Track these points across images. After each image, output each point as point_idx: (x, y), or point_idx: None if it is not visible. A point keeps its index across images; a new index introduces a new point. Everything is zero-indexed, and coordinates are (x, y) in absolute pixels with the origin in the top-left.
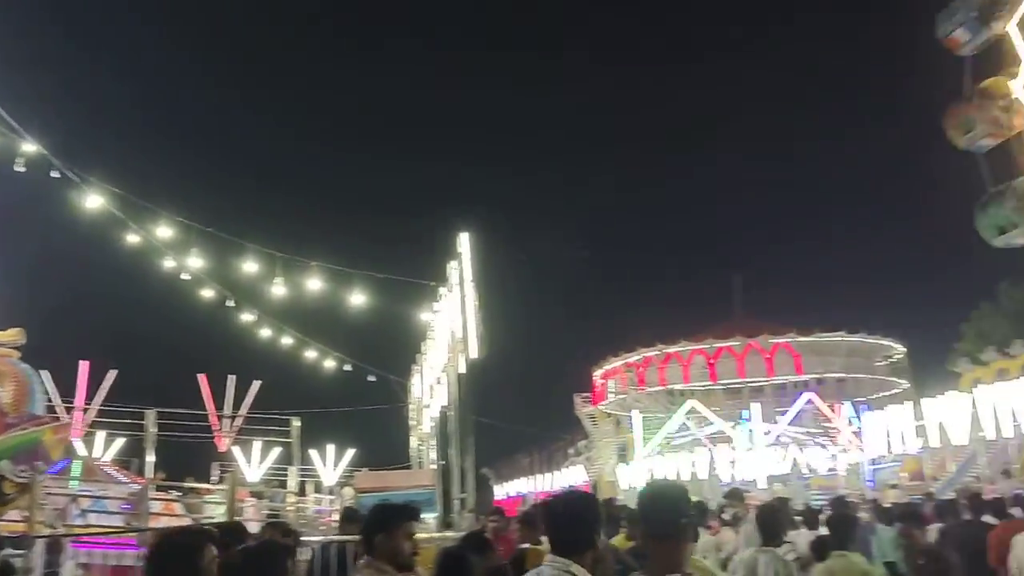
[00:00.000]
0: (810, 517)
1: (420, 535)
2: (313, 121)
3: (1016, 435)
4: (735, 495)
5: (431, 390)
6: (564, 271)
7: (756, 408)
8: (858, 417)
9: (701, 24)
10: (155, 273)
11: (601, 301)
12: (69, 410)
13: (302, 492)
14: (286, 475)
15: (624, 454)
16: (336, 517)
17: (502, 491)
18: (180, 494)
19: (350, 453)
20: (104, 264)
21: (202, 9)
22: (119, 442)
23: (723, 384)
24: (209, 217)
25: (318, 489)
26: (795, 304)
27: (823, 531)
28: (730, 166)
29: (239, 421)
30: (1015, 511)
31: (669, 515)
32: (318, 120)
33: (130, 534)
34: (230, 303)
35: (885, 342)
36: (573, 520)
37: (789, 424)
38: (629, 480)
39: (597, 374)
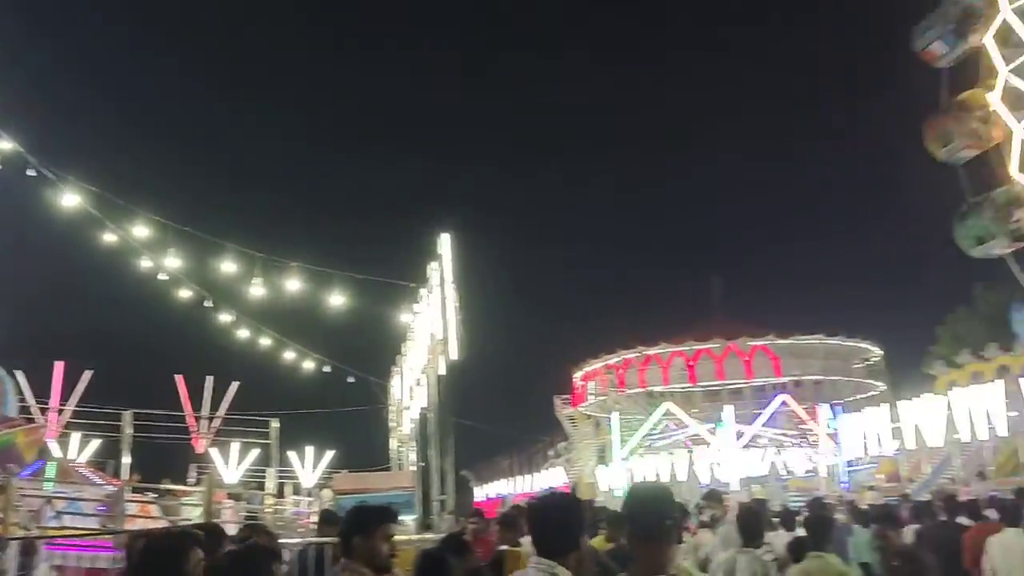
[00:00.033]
0: (787, 518)
1: (399, 537)
2: (293, 120)
3: (991, 437)
4: (713, 496)
5: (411, 391)
6: (544, 273)
7: (729, 410)
8: (835, 419)
9: (685, 28)
10: (132, 273)
11: (581, 303)
12: (44, 411)
13: (280, 494)
14: (264, 477)
15: (604, 456)
16: (315, 519)
17: (482, 493)
18: (156, 496)
19: (329, 455)
20: (80, 263)
21: (180, 8)
22: (94, 443)
23: (702, 386)
24: (187, 216)
25: (297, 491)
26: (774, 307)
27: (800, 532)
28: (711, 170)
29: (217, 422)
30: (989, 513)
31: (654, 517)
32: (298, 119)
33: (105, 536)
34: (208, 303)
35: (862, 345)
36: (558, 522)
37: (764, 426)
38: (608, 482)
39: (577, 376)
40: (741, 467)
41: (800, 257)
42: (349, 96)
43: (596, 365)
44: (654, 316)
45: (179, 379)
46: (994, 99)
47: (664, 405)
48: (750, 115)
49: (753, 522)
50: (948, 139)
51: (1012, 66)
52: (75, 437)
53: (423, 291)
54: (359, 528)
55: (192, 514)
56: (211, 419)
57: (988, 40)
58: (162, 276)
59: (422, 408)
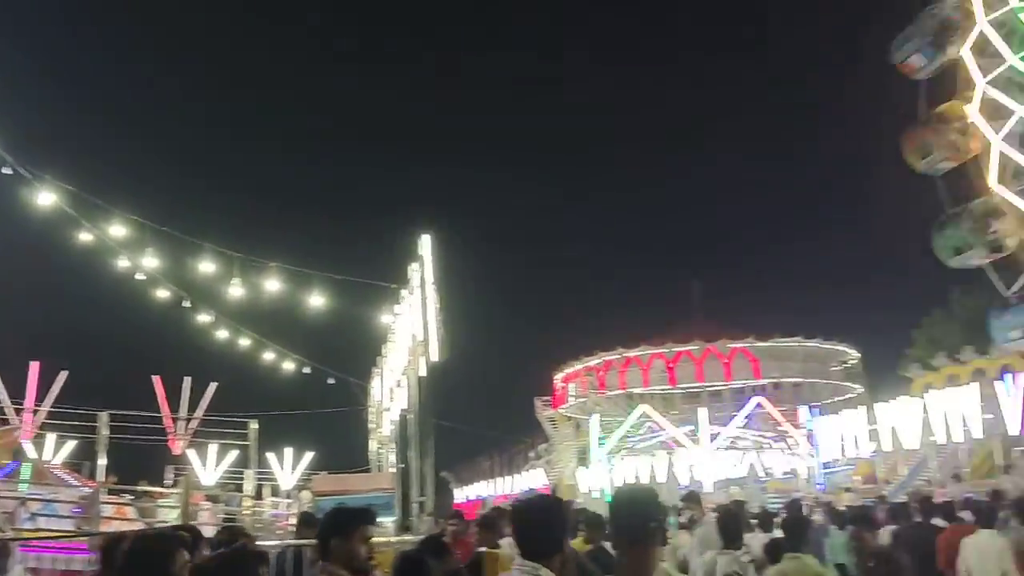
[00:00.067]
0: (765, 519)
1: (378, 539)
2: (272, 120)
3: (966, 440)
4: (691, 498)
5: (391, 393)
6: (525, 275)
7: (703, 412)
8: (811, 421)
9: (668, 34)
10: (109, 272)
11: (562, 305)
12: (19, 412)
13: (259, 496)
14: (243, 479)
15: (584, 457)
16: (293, 521)
17: (462, 494)
18: (133, 498)
19: (308, 456)
20: (56, 263)
21: (157, 7)
22: (70, 444)
23: (682, 388)
24: (164, 216)
25: (275, 493)
26: (753, 309)
27: (778, 533)
28: (693, 174)
29: (194, 424)
30: (964, 515)
31: (639, 519)
32: (277, 119)
33: (80, 538)
34: (186, 303)
35: (840, 347)
36: (542, 524)
37: (740, 427)
38: (589, 483)
39: (558, 377)
40: (716, 469)
41: (779, 260)
42: (331, 97)
43: (576, 367)
44: (635, 318)
45: (156, 380)
46: (972, 111)
47: (640, 407)
48: (746, 116)
49: (733, 524)
50: (927, 151)
51: (989, 78)
52: (50, 438)
53: (404, 292)
54: (337, 530)
55: (169, 516)
56: (189, 420)
57: (965, 52)
58: (139, 276)
59: (402, 409)
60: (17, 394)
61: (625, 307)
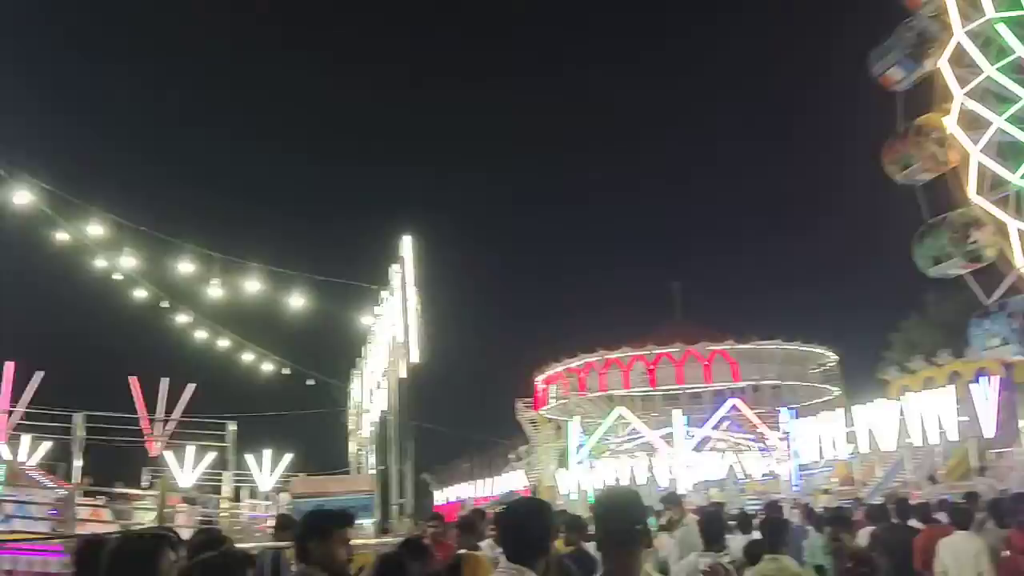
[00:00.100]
0: (744, 521)
1: (357, 541)
2: (252, 119)
3: (942, 442)
4: (671, 499)
5: (371, 394)
6: (506, 276)
7: (677, 414)
8: (788, 423)
9: (653, 34)
10: (86, 272)
11: (543, 307)
12: None
13: (237, 498)
14: (220, 481)
15: (564, 459)
16: (272, 523)
17: (442, 496)
18: (108, 499)
19: (287, 458)
20: (32, 262)
21: (134, 6)
22: (45, 446)
23: (662, 390)
24: (142, 215)
25: (253, 495)
26: (734, 311)
27: (756, 535)
28: (673, 175)
29: (172, 425)
30: (940, 516)
31: (626, 522)
32: (257, 118)
33: (56, 540)
34: (164, 304)
35: (819, 350)
36: (528, 527)
37: (723, 430)
38: (569, 485)
39: (539, 379)
40: (694, 471)
41: (759, 262)
42: (312, 96)
43: (557, 368)
44: (616, 320)
45: (133, 381)
46: (950, 123)
47: (616, 410)
48: (716, 118)
49: (714, 525)
50: (907, 163)
51: (967, 89)
52: (25, 439)
53: (384, 293)
54: (315, 532)
55: (145, 518)
56: (166, 422)
57: (943, 64)
58: (117, 276)
59: (382, 411)
60: None
61: (606, 309)
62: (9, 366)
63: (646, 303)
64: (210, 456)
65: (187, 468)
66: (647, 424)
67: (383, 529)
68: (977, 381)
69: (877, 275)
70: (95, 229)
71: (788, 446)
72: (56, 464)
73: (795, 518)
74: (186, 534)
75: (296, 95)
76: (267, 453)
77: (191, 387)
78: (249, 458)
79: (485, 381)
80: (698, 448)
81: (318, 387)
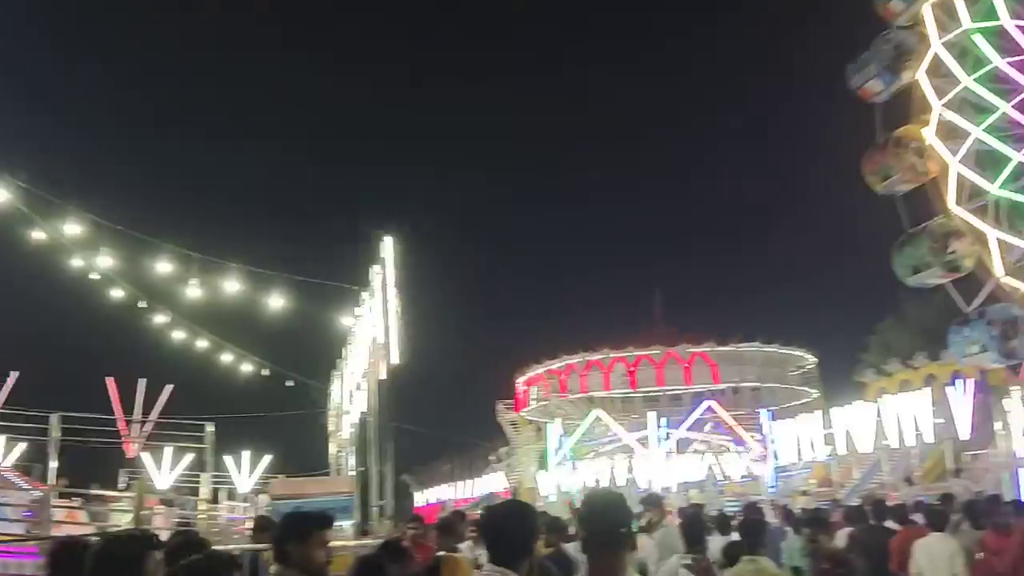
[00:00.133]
0: (723, 523)
1: (336, 543)
2: (232, 118)
3: (918, 444)
4: (650, 501)
5: (351, 396)
6: (488, 277)
7: (652, 416)
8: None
9: (634, 35)
10: (62, 271)
11: (524, 308)
12: None
13: (215, 500)
14: (198, 482)
15: (545, 461)
16: (250, 525)
17: (423, 497)
18: (85, 501)
19: (266, 460)
20: (8, 260)
21: (113, 3)
22: (21, 447)
23: (642, 392)
24: (120, 214)
25: (232, 497)
26: (713, 314)
27: (735, 536)
28: (653, 177)
29: (149, 426)
30: (916, 517)
31: (610, 524)
32: (238, 117)
33: (31, 542)
34: (142, 304)
35: (798, 352)
36: (512, 530)
37: (698, 431)
38: (549, 487)
39: (520, 381)
40: (674, 472)
41: (738, 264)
42: (291, 95)
43: (539, 370)
44: (597, 322)
45: (110, 381)
46: (929, 135)
47: (594, 412)
48: (695, 120)
49: (696, 527)
50: (887, 174)
51: (945, 100)
52: (0, 440)
53: (365, 295)
54: (293, 535)
55: (122, 520)
56: (143, 423)
57: (921, 75)
58: (94, 275)
59: (362, 412)
60: None
61: (588, 310)
62: None
63: (628, 305)
64: (188, 458)
65: (164, 470)
66: (628, 426)
67: (362, 531)
68: (953, 384)
69: (854, 277)
70: (72, 228)
71: (765, 447)
72: (31, 465)
73: (774, 519)
74: (163, 536)
75: (277, 94)
76: (246, 455)
77: (169, 388)
78: (228, 460)
79: (466, 382)
80: (682, 449)
81: (298, 388)
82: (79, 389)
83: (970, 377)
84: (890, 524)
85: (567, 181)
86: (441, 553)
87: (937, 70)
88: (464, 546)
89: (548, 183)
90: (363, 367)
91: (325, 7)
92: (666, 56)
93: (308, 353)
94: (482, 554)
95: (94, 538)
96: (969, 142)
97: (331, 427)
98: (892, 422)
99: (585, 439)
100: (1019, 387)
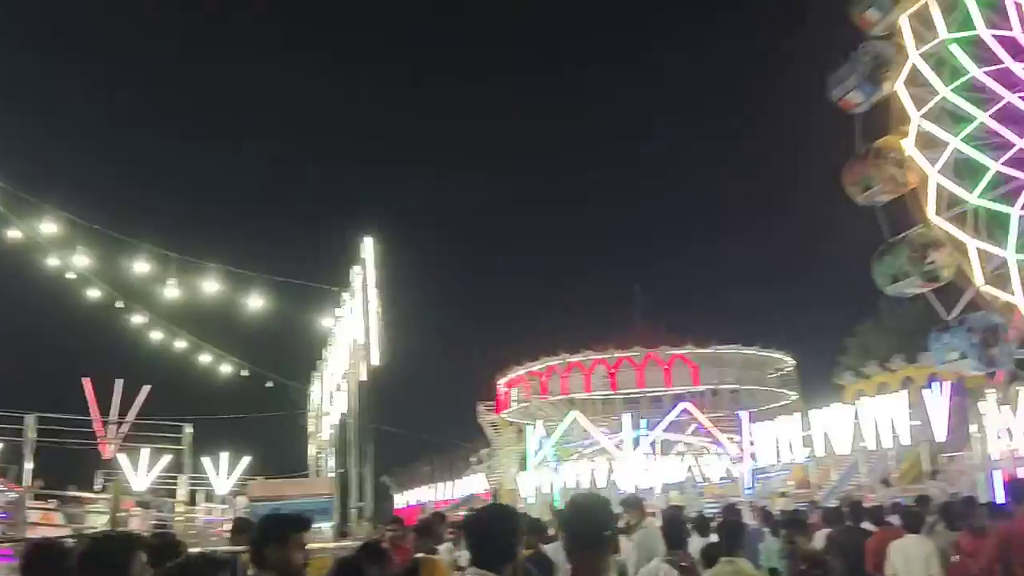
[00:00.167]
0: (702, 524)
1: (314, 545)
2: (212, 118)
3: (895, 446)
4: (631, 502)
5: (331, 397)
6: (469, 279)
7: (627, 418)
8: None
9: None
10: (38, 270)
11: (506, 310)
12: None
13: (192, 501)
14: (176, 484)
15: (525, 462)
16: (228, 527)
17: (403, 499)
18: (60, 503)
19: (245, 461)
20: None
21: (89, 3)
22: None
23: (623, 393)
24: (97, 214)
25: (210, 498)
26: (694, 316)
27: (714, 538)
28: (635, 178)
29: (126, 427)
30: (892, 519)
31: (595, 527)
32: (217, 117)
33: (5, 544)
34: (119, 304)
35: (777, 355)
36: (496, 534)
37: (680, 432)
38: (529, 488)
39: (501, 382)
40: (651, 474)
41: (720, 267)
42: (272, 95)
43: (520, 372)
44: (578, 324)
45: (86, 382)
46: (908, 146)
47: (572, 414)
48: (690, 118)
49: (677, 529)
50: (867, 184)
51: (923, 110)
52: None
53: (345, 295)
54: (271, 537)
55: (98, 522)
56: (120, 424)
57: (900, 86)
58: (70, 275)
59: (342, 414)
60: None
61: (569, 312)
62: None
63: (610, 307)
64: (165, 459)
65: (141, 471)
66: (608, 428)
67: (342, 533)
68: (929, 386)
69: (833, 280)
70: (48, 227)
71: (741, 449)
72: (6, 467)
73: (752, 521)
74: None
75: (256, 93)
76: (224, 456)
77: (146, 389)
78: (206, 461)
79: (447, 384)
80: (666, 451)
81: (277, 389)
82: (55, 389)
83: (946, 380)
84: (867, 525)
85: (567, 181)
86: (419, 555)
87: (915, 80)
88: (443, 548)
89: (547, 183)
90: (343, 368)
91: (325, 7)
92: (661, 56)
93: (288, 354)
94: (461, 556)
95: (70, 540)
96: (947, 152)
97: (311, 428)
98: (869, 424)
99: (565, 441)
100: (994, 390)
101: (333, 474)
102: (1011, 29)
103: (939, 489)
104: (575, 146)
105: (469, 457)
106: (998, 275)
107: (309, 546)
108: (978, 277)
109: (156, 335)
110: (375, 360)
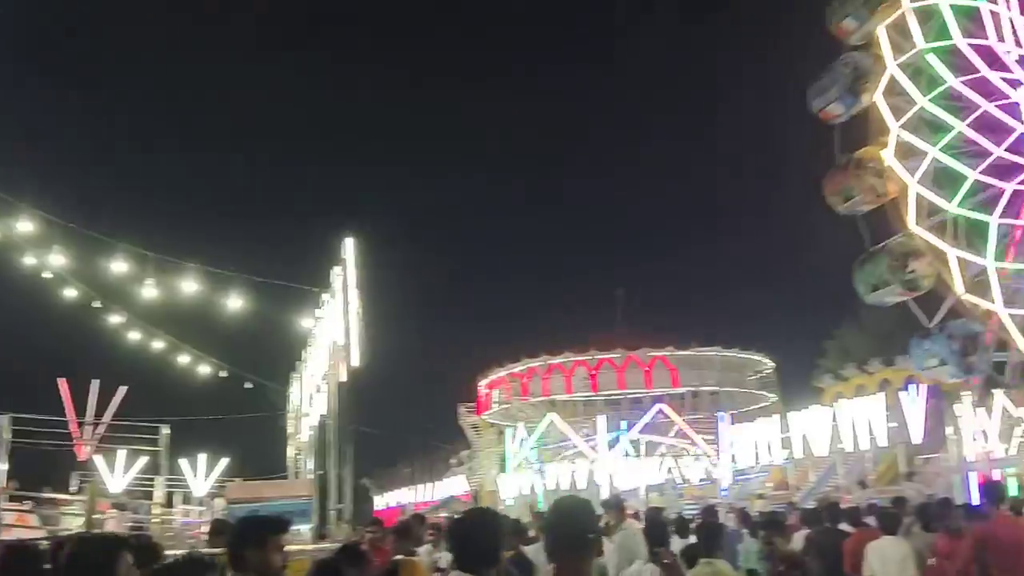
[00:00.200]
0: (681, 526)
1: (293, 547)
2: (191, 117)
3: (872, 447)
4: (611, 504)
5: (311, 398)
6: (450, 280)
7: (601, 420)
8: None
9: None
10: (13, 269)
11: (487, 311)
12: None
13: (169, 503)
14: (152, 486)
15: (506, 464)
16: (206, 529)
17: (382, 501)
18: (35, 504)
19: (223, 463)
20: None
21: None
22: None
23: (604, 395)
24: (73, 213)
25: (187, 500)
26: (675, 318)
27: (693, 539)
28: (620, 180)
29: (102, 428)
30: (869, 520)
31: (577, 529)
32: (195, 115)
33: None
34: (96, 304)
35: (756, 357)
36: (480, 537)
37: (652, 434)
38: (509, 490)
39: (482, 384)
40: (631, 476)
41: (701, 269)
42: (253, 94)
43: (501, 373)
44: (560, 325)
45: (62, 382)
46: (888, 156)
47: (549, 416)
48: (657, 129)
49: (658, 530)
50: (848, 195)
51: (902, 120)
52: None
53: (326, 296)
54: (250, 540)
55: (73, 523)
56: (96, 425)
57: (879, 97)
58: (46, 274)
59: (322, 415)
60: None
61: (550, 314)
62: None
63: (592, 308)
64: (142, 460)
65: (118, 473)
66: (590, 429)
67: (320, 535)
68: (906, 389)
69: (813, 283)
70: (24, 225)
71: (717, 451)
72: None
73: (731, 522)
74: None
75: (237, 92)
76: (202, 457)
77: (123, 389)
78: (183, 462)
79: (428, 385)
80: (650, 453)
81: (256, 390)
82: (30, 390)
83: (923, 383)
84: (844, 527)
85: (530, 182)
86: (398, 557)
87: (893, 90)
88: (422, 550)
89: (511, 186)
90: (323, 369)
91: (325, 7)
92: (625, 57)
93: (267, 355)
94: (440, 557)
95: (44, 542)
96: (926, 162)
97: (290, 430)
98: (847, 426)
99: (545, 443)
100: (970, 393)
101: (312, 476)
102: (987, 38)
103: (915, 491)
104: (574, 148)
105: (450, 459)
106: (978, 283)
107: (288, 548)
108: (958, 285)
109: (133, 335)
110: (355, 361)
